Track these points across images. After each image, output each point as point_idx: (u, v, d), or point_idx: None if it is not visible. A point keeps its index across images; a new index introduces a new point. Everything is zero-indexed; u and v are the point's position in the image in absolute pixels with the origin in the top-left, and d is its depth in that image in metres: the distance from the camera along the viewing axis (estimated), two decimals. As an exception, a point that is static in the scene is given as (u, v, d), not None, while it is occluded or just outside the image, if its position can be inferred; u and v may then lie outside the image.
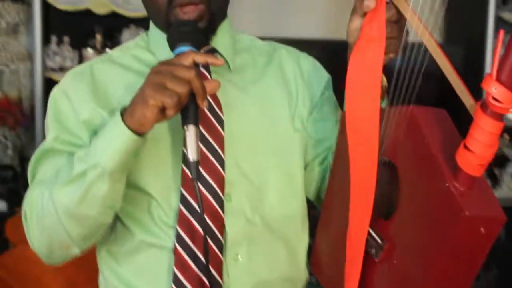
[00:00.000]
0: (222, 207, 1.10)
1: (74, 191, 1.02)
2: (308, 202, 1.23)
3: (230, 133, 1.12)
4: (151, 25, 1.20)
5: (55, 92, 1.18)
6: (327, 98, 1.23)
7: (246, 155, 1.14)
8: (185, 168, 1.09)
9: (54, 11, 2.76)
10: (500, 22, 2.93)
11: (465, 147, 0.81)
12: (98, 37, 2.85)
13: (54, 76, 2.77)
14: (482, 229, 0.81)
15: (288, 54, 1.25)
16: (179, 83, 0.94)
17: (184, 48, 1.02)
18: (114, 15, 2.80)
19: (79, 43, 2.86)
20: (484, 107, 0.78)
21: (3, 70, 2.79)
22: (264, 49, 1.25)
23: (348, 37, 0.99)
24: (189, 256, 1.08)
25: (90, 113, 1.12)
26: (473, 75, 2.31)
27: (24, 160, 2.91)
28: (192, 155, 0.97)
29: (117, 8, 2.77)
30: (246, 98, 1.16)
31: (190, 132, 0.97)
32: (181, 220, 1.09)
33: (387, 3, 0.94)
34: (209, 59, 1.02)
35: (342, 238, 0.99)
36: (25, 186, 2.93)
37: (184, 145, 1.00)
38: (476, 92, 0.85)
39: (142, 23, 2.88)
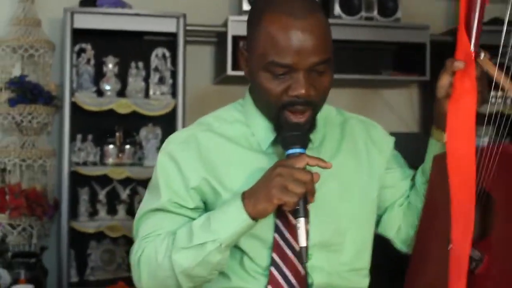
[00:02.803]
0: (304, 267, 1.28)
1: (193, 257, 1.21)
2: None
3: (314, 206, 1.24)
4: (252, 104, 1.35)
5: (163, 158, 1.33)
6: (395, 156, 1.46)
7: (328, 224, 1.31)
8: (277, 236, 1.27)
9: (80, 111, 3.00)
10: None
11: None
12: (118, 135, 3.12)
13: (79, 169, 3.00)
14: None
15: (358, 125, 1.43)
16: (298, 186, 1.15)
17: (296, 150, 1.21)
18: (133, 114, 3.04)
19: (101, 140, 3.11)
20: None
21: (32, 165, 3.04)
22: (337, 120, 1.42)
23: (437, 92, 1.24)
24: None
25: (199, 181, 1.29)
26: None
27: (43, 249, 3.05)
28: (302, 242, 1.16)
29: (137, 108, 3.03)
30: (326, 172, 1.25)
31: (301, 224, 1.17)
32: (272, 281, 1.27)
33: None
34: (320, 163, 1.20)
35: (442, 262, 1.20)
36: (44, 274, 2.96)
37: (277, 216, 1.23)
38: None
39: (158, 122, 3.17)
